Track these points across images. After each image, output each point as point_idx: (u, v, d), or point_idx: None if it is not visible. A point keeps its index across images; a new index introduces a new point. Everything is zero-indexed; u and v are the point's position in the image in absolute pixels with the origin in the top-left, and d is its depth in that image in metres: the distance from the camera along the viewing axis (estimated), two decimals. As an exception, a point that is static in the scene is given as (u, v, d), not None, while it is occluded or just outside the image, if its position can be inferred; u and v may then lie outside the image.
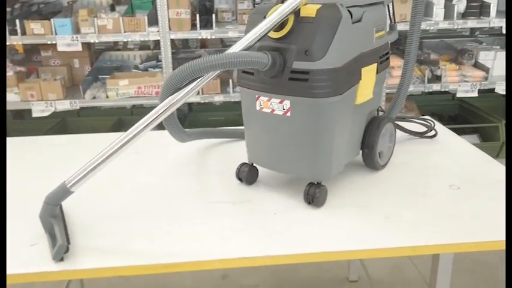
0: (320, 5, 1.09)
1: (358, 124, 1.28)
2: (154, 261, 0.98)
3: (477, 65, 3.22)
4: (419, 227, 1.09)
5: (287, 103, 1.13)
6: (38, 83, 2.99)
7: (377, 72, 1.26)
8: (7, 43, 2.88)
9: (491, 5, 2.98)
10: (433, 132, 1.65)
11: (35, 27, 2.81)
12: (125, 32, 2.86)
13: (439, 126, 1.77)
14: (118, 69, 3.53)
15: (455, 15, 2.97)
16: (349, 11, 1.11)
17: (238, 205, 1.21)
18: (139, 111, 3.66)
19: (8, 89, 2.96)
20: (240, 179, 1.30)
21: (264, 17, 1.11)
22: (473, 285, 2.11)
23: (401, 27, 2.96)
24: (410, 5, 2.77)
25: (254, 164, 1.29)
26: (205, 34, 2.87)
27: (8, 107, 3.20)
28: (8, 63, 3.03)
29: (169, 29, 2.85)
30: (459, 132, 3.39)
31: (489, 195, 1.22)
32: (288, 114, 1.14)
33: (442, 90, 3.15)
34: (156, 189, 1.30)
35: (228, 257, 1.00)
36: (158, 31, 2.85)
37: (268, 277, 2.13)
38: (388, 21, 1.39)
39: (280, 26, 1.10)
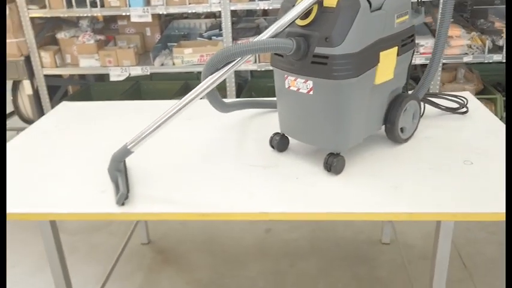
0: (340, -4, 1.23)
1: (378, 101, 1.41)
2: (191, 210, 1.22)
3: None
4: (423, 196, 1.23)
5: (310, 83, 1.29)
6: (114, 50, 3.34)
7: (398, 55, 1.37)
8: (89, 14, 3.25)
9: None
10: (464, 109, 1.72)
11: (112, 0, 3.13)
12: (189, 3, 3.09)
13: (475, 103, 1.83)
14: (185, 36, 3.79)
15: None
16: (368, 0, 1.23)
17: (268, 169, 1.41)
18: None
19: (89, 56, 3.35)
20: (272, 146, 1.51)
21: (293, 5, 1.27)
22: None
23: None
24: None
25: (285, 134, 1.49)
26: (262, 5, 3.02)
27: (89, 72, 3.62)
28: (89, 32, 3.41)
29: (230, 1, 3.03)
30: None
31: (498, 172, 1.32)
32: (311, 92, 1.30)
33: (504, 61, 3.05)
34: (202, 151, 1.54)
35: (251, 211, 1.22)
36: (219, 2, 3.04)
37: (307, 234, 2.35)
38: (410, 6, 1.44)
39: (305, 14, 1.26)
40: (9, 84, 3.66)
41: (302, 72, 1.29)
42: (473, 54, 3.06)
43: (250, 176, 1.38)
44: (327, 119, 1.32)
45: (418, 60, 3.12)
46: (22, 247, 2.37)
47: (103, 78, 4.13)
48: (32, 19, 3.30)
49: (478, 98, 3.16)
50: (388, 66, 1.35)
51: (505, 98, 3.31)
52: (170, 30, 3.86)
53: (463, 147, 1.48)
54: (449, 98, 1.75)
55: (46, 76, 3.45)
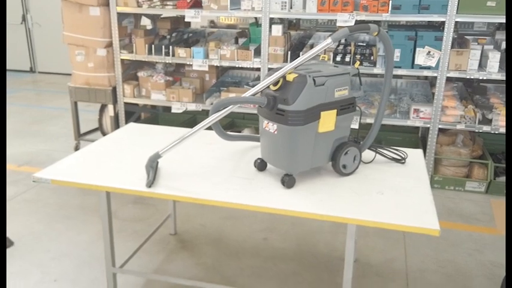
0: (297, 75, 1.97)
1: (324, 143, 2.09)
2: (187, 195, 1.98)
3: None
4: (336, 207, 1.89)
5: (275, 126, 2.03)
6: (177, 89, 4.29)
7: (337, 115, 2.06)
8: (163, 61, 4.24)
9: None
10: (402, 161, 2.34)
11: (181, 52, 4.10)
12: (237, 60, 3.98)
13: (418, 158, 2.43)
14: (237, 83, 4.69)
15: (508, 69, 3.37)
16: (314, 79, 1.97)
17: (245, 179, 2.14)
18: (247, 116, 4.81)
19: (158, 91, 4.33)
20: (255, 167, 2.24)
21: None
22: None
23: (455, 74, 3.52)
24: (465, 56, 3.43)
25: (263, 159, 2.22)
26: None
27: (157, 103, 4.59)
28: (162, 74, 4.40)
29: (268, 61, 3.87)
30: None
31: (397, 200, 1.94)
32: (276, 132, 2.04)
33: (492, 132, 3.55)
34: (210, 164, 2.30)
35: (226, 201, 1.95)
36: (260, 61, 3.90)
37: (294, 246, 2.99)
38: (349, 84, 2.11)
39: (275, 83, 2.02)
40: (97, 106, 4.75)
41: (271, 118, 2.04)
42: (465, 123, 3.60)
43: (233, 182, 2.11)
44: (284, 150, 2.04)
45: (417, 123, 3.72)
46: (82, 225, 3.25)
47: (169, 109, 5.12)
48: (122, 60, 4.37)
49: (471, 161, 3.72)
50: (328, 122, 2.05)
51: (495, 165, 3.77)
52: (225, 78, 4.78)
53: (383, 184, 2.11)
54: (392, 151, 2.39)
55: (126, 103, 4.48)
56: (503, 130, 3.52)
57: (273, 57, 3.84)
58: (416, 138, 4.32)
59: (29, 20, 8.51)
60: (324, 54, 3.48)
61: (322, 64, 2.21)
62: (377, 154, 2.39)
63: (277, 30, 3.79)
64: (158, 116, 5.13)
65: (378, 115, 2.29)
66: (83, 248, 2.97)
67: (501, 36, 3.95)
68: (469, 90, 4.07)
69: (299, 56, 3.85)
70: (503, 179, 3.80)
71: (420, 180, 2.16)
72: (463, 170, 3.83)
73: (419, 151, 2.55)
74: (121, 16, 4.27)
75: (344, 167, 2.17)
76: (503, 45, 3.71)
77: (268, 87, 2.05)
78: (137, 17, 4.61)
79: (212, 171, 2.24)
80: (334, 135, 2.13)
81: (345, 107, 2.09)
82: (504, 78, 3.45)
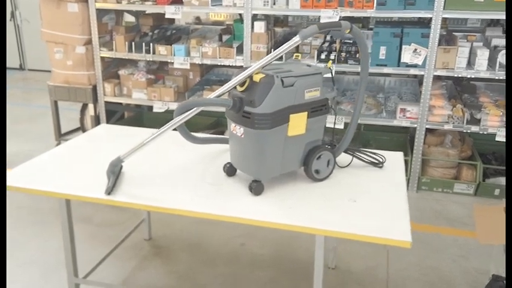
0: (264, 75, 1.85)
1: (294, 148, 1.97)
2: (150, 204, 1.87)
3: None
4: (305, 216, 1.77)
5: (242, 129, 1.91)
6: (159, 88, 4.17)
7: (308, 117, 1.94)
8: (143, 59, 4.12)
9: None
10: (380, 165, 2.23)
11: (161, 49, 3.98)
12: (219, 57, 3.86)
13: (397, 161, 2.31)
14: (222, 82, 4.56)
15: (497, 66, 3.26)
16: (282, 79, 1.85)
17: (213, 186, 2.03)
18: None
19: (139, 90, 4.21)
20: (224, 171, 2.12)
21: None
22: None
23: (443, 73, 3.40)
24: (452, 54, 3.31)
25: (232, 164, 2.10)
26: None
27: (138, 103, 4.46)
28: (143, 72, 4.28)
29: (251, 58, 3.75)
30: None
31: (370, 208, 1.82)
32: (242, 136, 1.92)
33: (481, 132, 3.43)
34: (179, 168, 2.17)
35: (189, 209, 1.83)
36: (242, 59, 3.77)
37: (272, 252, 2.88)
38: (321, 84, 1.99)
39: (242, 83, 1.90)
40: (79, 105, 4.63)
41: (238, 121, 1.92)
42: (453, 123, 3.48)
43: (200, 188, 1.99)
44: (252, 155, 1.92)
45: (404, 123, 3.60)
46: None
47: (151, 107, 5.00)
48: (103, 58, 4.24)
49: (460, 163, 3.60)
50: (298, 125, 1.93)
51: (484, 166, 3.65)
52: (210, 75, 4.66)
53: (357, 190, 1.99)
54: (370, 154, 2.27)
55: (106, 102, 4.36)
56: (492, 130, 3.40)
57: (256, 55, 3.72)
58: (405, 138, 4.20)
59: (17, 16, 8.37)
60: (297, 52, 3.37)
61: (294, 63, 2.09)
62: (354, 158, 2.28)
63: (260, 27, 3.67)
64: (143, 115, 5.01)
65: (354, 117, 2.17)
66: (51, 254, 2.85)
67: (491, 33, 3.83)
68: (458, 89, 3.95)
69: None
70: (493, 180, 3.68)
71: (397, 187, 2.05)
72: (451, 172, 3.71)
73: (400, 154, 2.43)
74: (101, 12, 4.14)
75: (317, 172, 2.05)
76: (494, 42, 3.59)
77: (235, 87, 1.93)
78: (119, 13, 4.48)
79: (180, 176, 2.12)
80: (306, 139, 2.01)
81: (317, 109, 1.97)
82: (492, 76, 3.33)
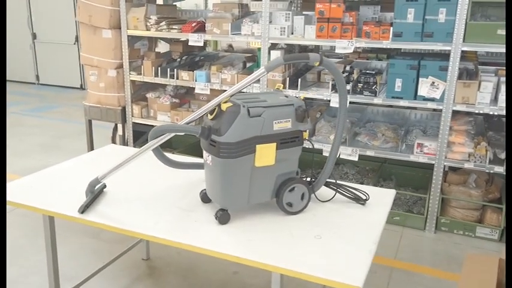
0: (231, 104, 1.86)
1: (263, 178, 1.94)
2: (115, 225, 1.91)
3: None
4: (264, 251, 1.72)
5: (210, 157, 1.92)
6: (181, 111, 4.29)
7: (278, 149, 1.91)
8: (167, 83, 4.28)
9: None
10: (362, 202, 2.12)
11: (184, 75, 4.12)
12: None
13: (387, 201, 2.19)
14: (246, 108, 4.62)
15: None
16: (249, 109, 1.84)
17: (184, 211, 2.04)
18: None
19: (164, 113, 4.36)
20: (200, 197, 2.13)
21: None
22: None
23: (463, 108, 3.22)
24: (473, 88, 3.17)
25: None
26: (290, 93, 3.68)
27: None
28: (168, 96, 4.43)
29: (266, 87, 3.76)
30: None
31: (328, 249, 1.74)
32: (211, 164, 1.93)
33: (504, 173, 3.17)
34: (158, 193, 2.21)
35: (150, 234, 1.85)
36: (259, 87, 3.80)
37: (265, 283, 2.80)
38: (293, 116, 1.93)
39: (211, 112, 1.91)
40: (112, 125, 4.87)
41: (207, 149, 1.93)
42: (475, 162, 3.25)
43: (169, 213, 2.01)
44: (218, 183, 1.92)
45: (421, 158, 3.42)
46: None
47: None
48: (133, 81, 4.46)
49: (484, 205, 3.38)
50: (266, 155, 1.90)
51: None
52: (235, 102, 4.72)
53: (327, 227, 1.90)
54: (351, 190, 2.17)
55: (134, 123, 4.55)
56: (517, 172, 3.13)
57: (272, 83, 3.73)
58: (430, 174, 3.96)
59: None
60: (280, 84, 3.35)
61: (272, 94, 2.07)
62: (337, 193, 2.19)
63: (276, 55, 3.69)
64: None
65: (332, 150, 2.10)
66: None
67: (525, 67, 3.56)
68: (486, 126, 3.70)
69: (298, 82, 3.74)
70: (522, 226, 3.36)
71: (372, 226, 1.94)
72: (474, 214, 3.44)
73: (392, 192, 2.31)
74: (133, 39, 4.38)
75: (289, 205, 2.00)
76: (523, 77, 3.33)
77: (206, 115, 1.95)
78: (152, 40, 4.71)
79: (157, 198, 2.16)
80: (277, 171, 1.97)
81: (287, 140, 1.94)
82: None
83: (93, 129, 4.83)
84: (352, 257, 1.69)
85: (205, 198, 2.11)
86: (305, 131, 1.99)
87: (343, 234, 1.86)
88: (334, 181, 2.20)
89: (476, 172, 3.53)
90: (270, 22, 3.66)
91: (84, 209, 1.99)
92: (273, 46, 3.79)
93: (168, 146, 4.91)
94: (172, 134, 2.00)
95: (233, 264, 3.01)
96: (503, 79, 3.32)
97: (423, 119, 4.12)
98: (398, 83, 3.33)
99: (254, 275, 2.90)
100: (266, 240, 1.81)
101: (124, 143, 4.64)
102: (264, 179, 1.96)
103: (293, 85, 3.70)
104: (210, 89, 4.06)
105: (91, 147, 4.85)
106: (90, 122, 4.76)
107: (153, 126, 4.89)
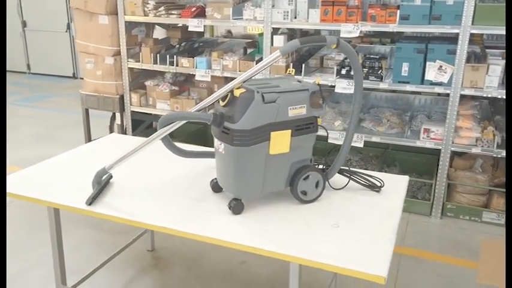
0: (245, 90, 1.79)
1: (277, 167, 1.88)
2: (125, 217, 1.84)
3: None
4: (281, 241, 1.67)
5: (223, 146, 1.85)
6: (181, 99, 4.21)
7: (292, 136, 1.84)
8: (167, 70, 4.18)
9: None
10: (376, 189, 2.07)
11: (184, 62, 4.02)
12: (239, 70, 3.83)
13: (398, 186, 2.14)
14: (247, 95, 4.53)
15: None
16: (263, 95, 1.77)
17: (195, 201, 1.97)
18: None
19: (163, 101, 4.27)
20: (210, 187, 2.06)
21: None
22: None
23: (471, 92, 3.17)
24: (482, 72, 3.10)
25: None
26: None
27: (161, 113, 4.51)
28: (167, 83, 4.34)
29: (270, 73, 3.68)
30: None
31: (347, 238, 1.69)
32: (223, 152, 1.86)
33: (512, 158, 3.13)
34: (165, 182, 2.15)
35: (161, 225, 1.79)
36: (262, 73, 3.72)
37: (271, 272, 2.76)
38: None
39: (224, 97, 1.84)
40: (109, 114, 4.77)
41: (219, 137, 1.86)
42: (482, 146, 3.21)
43: (180, 203, 1.95)
44: (231, 172, 1.85)
45: (427, 144, 3.38)
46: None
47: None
48: (131, 69, 4.35)
49: (490, 190, 3.34)
50: (281, 143, 1.84)
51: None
52: (235, 89, 4.63)
53: (343, 215, 1.85)
54: (367, 178, 2.12)
55: (133, 112, 4.45)
56: (525, 156, 3.09)
57: (275, 69, 3.65)
58: (435, 160, 3.93)
59: (73, 28, 8.85)
60: (292, 68, 3.28)
61: (285, 79, 2.00)
62: (351, 180, 2.14)
63: (279, 40, 3.61)
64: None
65: (347, 137, 2.04)
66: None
67: (532, 50, 3.51)
68: (492, 110, 3.66)
69: (301, 68, 3.66)
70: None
71: (389, 214, 1.89)
72: (480, 199, 3.42)
73: (405, 179, 2.26)
74: (131, 25, 4.26)
75: (304, 193, 1.94)
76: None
77: (218, 102, 1.88)
78: (149, 26, 4.59)
79: (165, 188, 2.09)
80: (291, 158, 1.91)
81: (302, 127, 1.87)
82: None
83: (90, 118, 4.73)
84: (372, 246, 1.64)
85: (216, 188, 2.04)
86: (319, 117, 1.93)
87: (361, 223, 1.81)
88: (347, 168, 2.15)
89: (482, 157, 3.50)
90: (273, 6, 3.57)
91: (91, 201, 1.92)
92: (275, 31, 3.71)
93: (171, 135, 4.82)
94: (182, 122, 1.92)
95: (240, 253, 2.94)
96: (511, 62, 3.26)
97: (427, 104, 4.08)
98: (405, 67, 3.26)
99: (261, 264, 2.85)
100: (282, 229, 1.75)
101: (122, 132, 4.55)
102: (278, 167, 1.90)
103: (297, 71, 3.62)
104: (211, 76, 3.97)
105: (88, 137, 4.75)
106: (87, 111, 4.66)
107: (152, 114, 4.81)
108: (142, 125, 4.77)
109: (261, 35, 4.14)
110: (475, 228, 3.35)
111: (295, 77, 2.12)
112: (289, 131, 1.85)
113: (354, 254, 1.60)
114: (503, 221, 3.34)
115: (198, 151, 2.25)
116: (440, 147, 3.35)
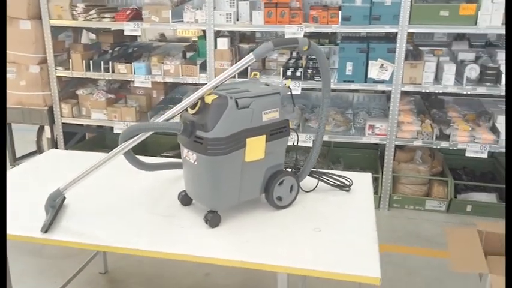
0: (216, 96, 1.69)
1: (254, 174, 1.81)
2: (90, 242, 1.67)
3: (493, 128, 3.36)
4: (264, 251, 1.60)
5: (194, 156, 1.74)
6: (119, 108, 3.96)
7: (267, 141, 1.79)
8: (102, 77, 3.92)
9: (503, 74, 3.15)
10: (346, 188, 2.09)
11: (121, 68, 3.79)
12: (182, 75, 3.69)
13: (367, 185, 2.17)
14: (187, 100, 4.38)
15: (464, 81, 3.20)
16: (236, 101, 1.69)
17: (165, 218, 1.84)
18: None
19: (99, 110, 3.99)
20: (179, 200, 1.94)
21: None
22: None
23: (410, 88, 3.32)
24: (419, 69, 3.22)
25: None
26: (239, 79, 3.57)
27: (98, 123, 4.24)
28: (102, 91, 4.07)
29: (214, 76, 3.60)
30: (480, 188, 3.55)
31: (334, 239, 1.67)
32: (195, 163, 1.75)
33: (451, 148, 3.36)
34: (126, 198, 1.98)
35: (135, 248, 1.64)
36: (206, 77, 3.62)
37: (238, 282, 2.69)
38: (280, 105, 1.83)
39: (194, 105, 1.73)
40: (35, 127, 4.37)
41: (190, 147, 1.75)
42: (422, 139, 3.40)
43: (149, 222, 1.80)
44: (206, 183, 1.75)
45: (373, 139, 3.51)
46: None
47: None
48: (59, 77, 4.01)
49: (431, 179, 3.51)
50: (256, 149, 1.77)
51: (455, 182, 3.58)
52: (174, 94, 4.48)
53: (322, 217, 1.83)
54: (336, 178, 2.12)
55: (64, 124, 4.12)
56: (462, 146, 3.33)
57: (220, 72, 3.53)
58: (376, 155, 4.10)
59: None
60: (264, 69, 3.24)
61: (251, 82, 1.94)
62: (319, 181, 2.13)
63: (223, 43, 3.53)
64: (105, 136, 4.77)
65: (317, 137, 2.03)
66: None
67: (457, 47, 3.80)
68: (426, 104, 3.89)
69: (247, 71, 3.62)
70: (464, 196, 3.61)
71: (364, 212, 1.91)
72: (422, 188, 3.62)
73: (368, 175, 2.30)
74: (56, 30, 3.93)
75: (279, 199, 1.89)
76: (460, 56, 3.54)
77: (186, 110, 1.76)
78: (77, 31, 4.28)
79: (129, 206, 1.93)
80: (266, 164, 1.85)
81: (276, 131, 1.82)
82: (460, 91, 3.28)
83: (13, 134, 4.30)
84: (358, 247, 1.64)
85: (185, 201, 1.92)
86: (291, 121, 1.89)
87: (340, 224, 1.80)
88: (315, 169, 2.14)
89: (421, 149, 3.70)
90: (214, 8, 3.48)
91: (48, 227, 1.71)
92: (216, 34, 3.62)
93: (109, 147, 4.53)
94: (148, 134, 1.78)
95: (203, 265, 2.85)
96: (442, 58, 3.49)
97: (365, 101, 4.24)
98: (348, 66, 3.35)
99: (227, 276, 2.76)
100: (263, 239, 1.69)
101: (53, 146, 4.18)
102: (254, 175, 1.83)
103: (241, 73, 3.56)
104: (152, 82, 3.79)
105: (13, 155, 4.31)
106: (9, 126, 4.22)
107: (86, 126, 4.49)
108: (75, 138, 4.43)
109: (201, 38, 4.05)
110: (421, 216, 3.54)
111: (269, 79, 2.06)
112: (264, 136, 1.79)
113: (344, 257, 1.58)
114: (444, 207, 3.56)
115: (162, 163, 2.11)
116: (385, 142, 3.49)
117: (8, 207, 1.88)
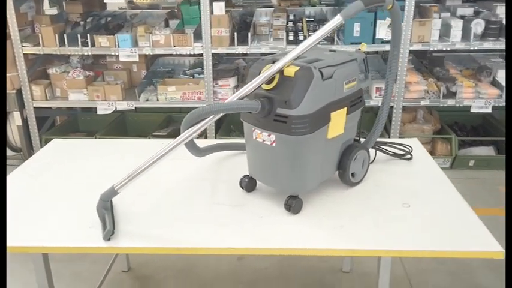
0: (298, 68, 1.48)
1: (332, 151, 1.66)
2: (166, 245, 1.44)
3: (494, 82, 3.41)
4: (364, 235, 1.47)
5: (273, 137, 1.54)
6: (102, 86, 3.57)
7: (347, 114, 1.63)
8: (80, 53, 3.48)
9: (510, 28, 3.15)
10: (409, 156, 1.99)
11: (102, 41, 3.38)
12: (174, 46, 3.36)
13: (421, 150, 2.09)
14: (170, 73, 4.04)
15: (471, 37, 3.19)
16: (320, 71, 1.50)
17: (233, 207, 1.63)
18: (186, 110, 4.18)
19: (78, 90, 3.57)
20: (242, 187, 1.73)
21: (259, 73, 1.52)
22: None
23: (418, 47, 3.25)
24: (428, 27, 3.10)
25: (252, 177, 1.72)
26: (241, 50, 3.31)
27: (78, 105, 3.82)
28: (79, 69, 3.63)
29: (211, 45, 3.31)
30: (477, 143, 3.61)
31: (432, 213, 1.57)
32: (274, 144, 1.54)
33: (457, 105, 3.38)
34: (179, 190, 1.75)
35: (222, 247, 1.43)
36: (202, 46, 3.32)
37: (276, 262, 2.57)
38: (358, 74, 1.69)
39: (269, 80, 1.51)
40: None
41: (266, 127, 1.54)
42: (430, 98, 3.38)
43: (218, 214, 1.59)
44: (287, 166, 1.56)
45: (377, 102, 3.43)
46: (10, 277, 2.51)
47: (89, 109, 4.33)
48: (26, 55, 3.51)
49: (434, 137, 3.51)
50: (338, 124, 1.61)
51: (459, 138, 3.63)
52: (156, 67, 4.11)
53: (403, 191, 1.72)
54: (396, 146, 2.02)
55: (36, 108, 3.65)
56: (467, 103, 3.36)
57: (217, 41, 3.29)
58: (373, 116, 4.04)
59: None
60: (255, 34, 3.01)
61: (315, 50, 1.73)
62: (377, 152, 2.01)
63: (220, 8, 3.24)
64: (77, 118, 4.31)
65: (384, 106, 1.89)
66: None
67: (452, 2, 3.77)
68: (425, 62, 3.87)
69: (247, 37, 3.36)
70: (464, 151, 3.68)
71: (440, 181, 1.81)
72: (427, 147, 3.63)
73: (415, 140, 2.21)
74: (17, 1, 3.40)
75: (353, 175, 1.75)
76: (459, 11, 3.51)
77: (259, 87, 1.53)
78: (39, 1, 3.74)
79: (184, 200, 1.69)
80: (342, 139, 1.69)
81: (355, 102, 1.66)
82: (467, 47, 3.26)
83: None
84: (460, 221, 1.54)
85: (250, 187, 1.73)
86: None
87: (425, 197, 1.70)
88: (370, 140, 2.00)
89: (421, 108, 3.70)
90: (208, -32, 3.15)
91: (111, 234, 1.45)
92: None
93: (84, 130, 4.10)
94: (217, 117, 1.54)
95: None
96: (443, 15, 3.44)
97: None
98: (356, 27, 3.21)
99: (261, 258, 2.61)
100: (356, 221, 1.54)
101: (25, 134, 3.71)
102: (332, 152, 1.67)
103: (242, 40, 3.31)
104: (139, 55, 3.42)
105: (-24, 147, 3.78)
106: (-32, 114, 3.67)
107: (61, 108, 4.03)
108: (47, 123, 3.96)
109: (184, 3, 3.70)
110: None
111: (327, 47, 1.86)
112: (345, 108, 1.62)
113: (453, 233, 1.48)
114: (448, 164, 3.61)
115: (220, 144, 1.89)
116: (392, 104, 3.43)
117: (46, 218, 1.58)
